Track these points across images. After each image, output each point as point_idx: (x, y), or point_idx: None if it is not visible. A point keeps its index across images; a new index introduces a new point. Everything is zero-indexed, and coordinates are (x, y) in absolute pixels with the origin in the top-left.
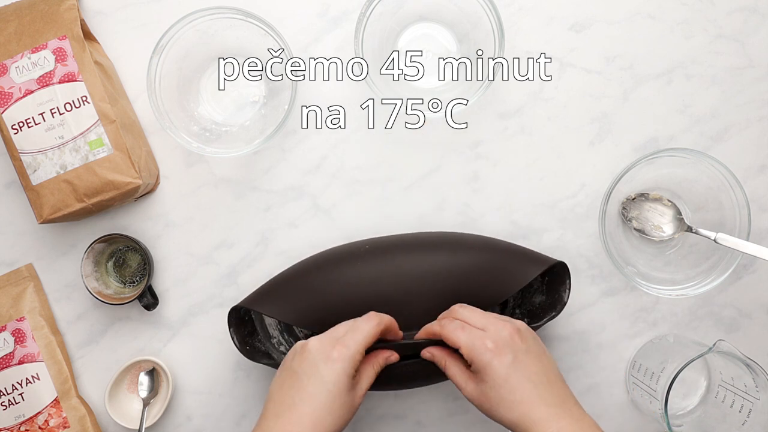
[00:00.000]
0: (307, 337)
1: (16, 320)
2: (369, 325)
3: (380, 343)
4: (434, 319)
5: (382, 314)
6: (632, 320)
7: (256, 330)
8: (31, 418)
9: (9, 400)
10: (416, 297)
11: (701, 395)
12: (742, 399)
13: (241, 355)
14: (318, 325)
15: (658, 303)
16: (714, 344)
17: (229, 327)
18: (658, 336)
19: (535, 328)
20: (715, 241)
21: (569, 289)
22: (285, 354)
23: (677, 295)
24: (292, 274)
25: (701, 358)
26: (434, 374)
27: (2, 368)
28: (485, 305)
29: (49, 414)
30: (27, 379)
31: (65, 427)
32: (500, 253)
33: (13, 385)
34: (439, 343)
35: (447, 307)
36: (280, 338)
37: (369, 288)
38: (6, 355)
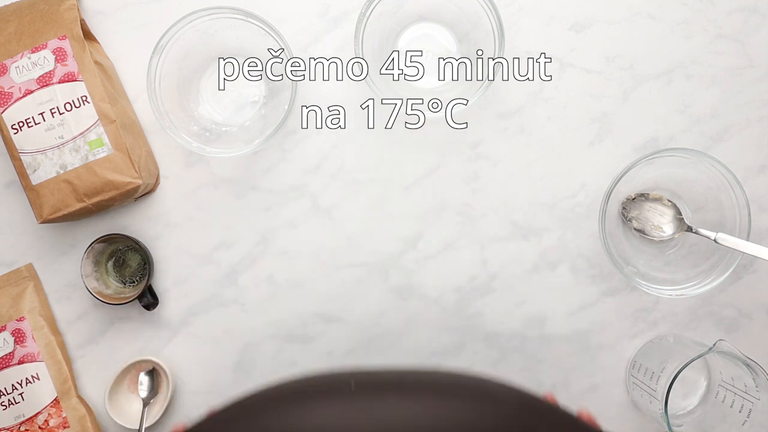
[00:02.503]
0: None
1: (16, 320)
2: None
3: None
4: None
5: None
6: (632, 320)
7: None
8: (30, 418)
9: (9, 400)
10: None
11: (701, 395)
12: (742, 399)
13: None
14: None
15: (658, 303)
16: (714, 344)
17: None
18: (658, 336)
19: None
20: (715, 241)
21: None
22: None
23: (677, 295)
24: (256, 403)
25: (701, 358)
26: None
27: (2, 368)
28: None
29: (49, 414)
30: (27, 379)
31: (65, 427)
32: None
33: (13, 385)
34: None
35: None
36: None
37: None
38: (6, 355)
